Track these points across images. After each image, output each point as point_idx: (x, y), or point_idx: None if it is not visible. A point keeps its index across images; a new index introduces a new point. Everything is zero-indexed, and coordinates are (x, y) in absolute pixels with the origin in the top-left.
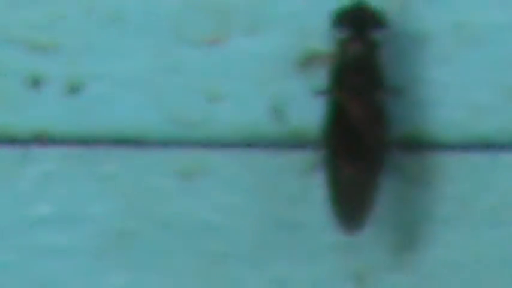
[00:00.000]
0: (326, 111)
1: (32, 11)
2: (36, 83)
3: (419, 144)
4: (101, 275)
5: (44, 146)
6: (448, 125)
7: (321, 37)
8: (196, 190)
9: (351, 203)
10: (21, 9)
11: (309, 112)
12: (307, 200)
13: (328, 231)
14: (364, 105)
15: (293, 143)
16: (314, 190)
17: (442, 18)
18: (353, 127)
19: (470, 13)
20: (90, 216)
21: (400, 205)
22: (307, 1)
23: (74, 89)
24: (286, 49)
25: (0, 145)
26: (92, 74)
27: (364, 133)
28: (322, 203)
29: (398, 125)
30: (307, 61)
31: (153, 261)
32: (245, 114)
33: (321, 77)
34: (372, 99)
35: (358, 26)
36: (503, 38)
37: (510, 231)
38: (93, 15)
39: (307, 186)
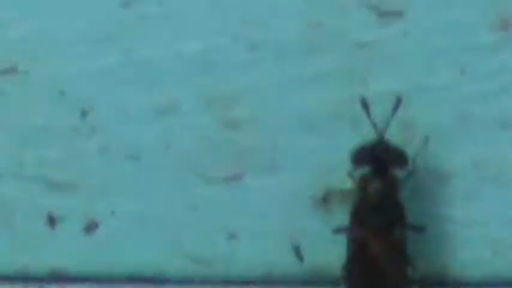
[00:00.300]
0: (346, 248)
1: (48, 149)
2: (52, 220)
3: (442, 282)
4: None
5: (60, 283)
6: (470, 262)
7: (340, 174)
8: None
9: None
10: (37, 147)
11: (329, 249)
12: None
13: None
14: (385, 242)
15: (312, 280)
16: None
17: (462, 155)
18: (374, 265)
19: (489, 151)
20: None
21: None
22: (326, 139)
23: (90, 226)
24: (305, 186)
25: (16, 282)
26: (109, 211)
27: (385, 271)
28: None
29: (420, 262)
30: (327, 198)
31: None
32: (264, 251)
33: (340, 214)
34: (393, 237)
35: (379, 163)
36: None
37: None
38: (110, 153)
39: None
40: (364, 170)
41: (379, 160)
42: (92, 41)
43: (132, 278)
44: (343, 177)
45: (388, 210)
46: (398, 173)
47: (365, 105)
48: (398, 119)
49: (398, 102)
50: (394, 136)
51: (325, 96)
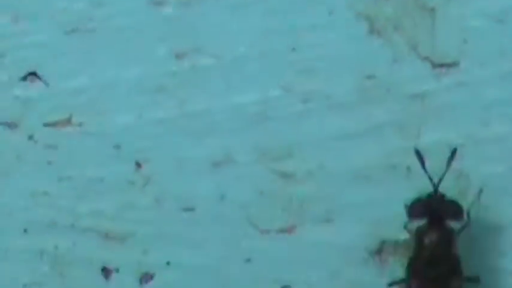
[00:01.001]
0: None
1: (103, 201)
2: (107, 272)
3: None
4: None
5: None
6: None
7: (394, 226)
8: None
9: None
10: (92, 199)
11: None
12: None
13: None
14: None
15: None
16: None
17: None
18: None
19: None
20: None
21: None
22: (380, 190)
23: (145, 278)
24: (359, 237)
25: None
26: (164, 262)
27: None
28: None
29: None
30: (381, 250)
31: None
32: None
33: (394, 265)
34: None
35: (435, 216)
36: None
37: None
38: (164, 205)
39: None
40: (420, 222)
41: (435, 213)
42: (147, 92)
43: None
44: (397, 228)
45: (444, 262)
46: (454, 225)
47: (419, 156)
48: (452, 171)
49: (453, 154)
50: (447, 187)
51: (379, 148)
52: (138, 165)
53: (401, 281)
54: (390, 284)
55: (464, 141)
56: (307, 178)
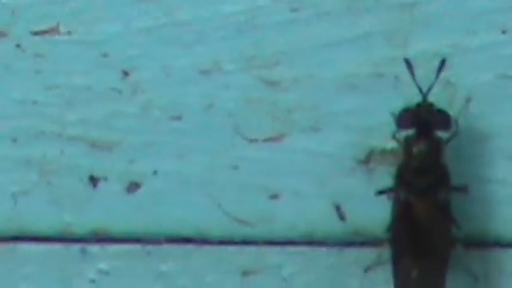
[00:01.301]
0: (391, 210)
1: (89, 109)
2: (94, 180)
3: (483, 242)
4: None
5: (101, 244)
6: None
7: (381, 134)
8: None
9: None
10: (79, 108)
11: (370, 210)
12: None
13: None
14: (429, 204)
15: (353, 240)
16: None
17: (505, 116)
18: (418, 226)
19: None
20: None
21: None
22: (367, 99)
23: (132, 186)
24: (346, 147)
25: (58, 243)
26: (150, 171)
27: (430, 232)
28: None
29: (464, 223)
30: (368, 158)
31: None
32: (305, 211)
33: (381, 174)
34: (437, 198)
35: (424, 125)
36: None
37: None
38: (151, 113)
39: (368, 285)
40: (409, 132)
41: (424, 122)
42: (135, 1)
43: (172, 238)
44: (384, 137)
45: (432, 171)
46: (442, 134)
47: (409, 66)
48: (439, 80)
49: (442, 64)
50: (435, 97)
51: (367, 57)
52: (126, 73)
53: (389, 190)
54: (378, 193)
55: (452, 51)
56: (294, 86)
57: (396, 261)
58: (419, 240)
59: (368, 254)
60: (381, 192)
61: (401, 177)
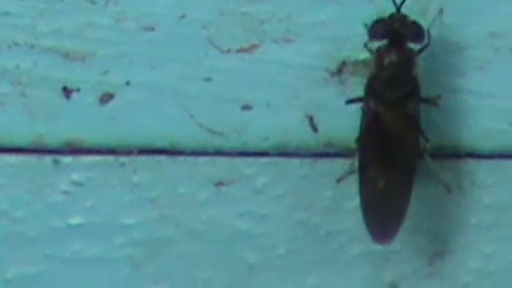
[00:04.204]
0: (361, 120)
1: (62, 20)
2: (67, 91)
3: (455, 153)
4: (134, 285)
5: (75, 155)
6: (484, 133)
7: (354, 45)
8: (229, 199)
9: (384, 212)
10: (51, 18)
11: (342, 121)
12: (340, 208)
13: (362, 240)
14: (399, 115)
15: (326, 151)
16: (347, 199)
17: (478, 27)
18: (387, 136)
19: (506, 22)
20: (122, 225)
21: (435, 214)
22: (340, 10)
23: (105, 97)
24: (319, 57)
25: (31, 154)
26: (124, 82)
27: (399, 142)
28: (355, 212)
29: (434, 134)
30: (341, 69)
31: (186, 271)
32: (278, 122)
33: (354, 85)
34: (407, 109)
35: (396, 36)
36: None
37: None
38: (125, 24)
39: (340, 195)
40: (381, 42)
41: (396, 34)
42: None
43: (146, 149)
44: (357, 48)
45: (402, 83)
46: (414, 45)
47: None
48: None
49: None
50: (408, 8)
51: None
52: None
53: (359, 99)
54: (348, 102)
55: None
56: None
57: (363, 171)
58: (387, 151)
59: (340, 164)
60: (350, 102)
61: (372, 87)
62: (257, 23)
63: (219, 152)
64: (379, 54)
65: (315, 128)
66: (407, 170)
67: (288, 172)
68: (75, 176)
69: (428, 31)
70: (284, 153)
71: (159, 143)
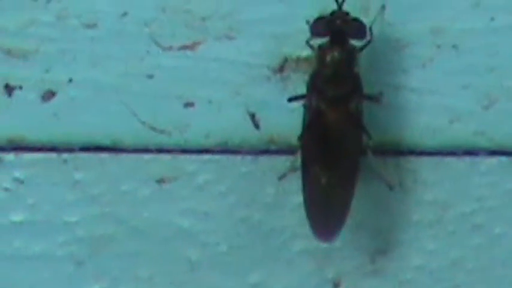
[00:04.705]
0: (303, 117)
1: (3, 18)
2: (9, 89)
3: (397, 150)
4: (77, 283)
5: (17, 152)
6: (426, 130)
7: (296, 42)
8: (171, 196)
9: (327, 209)
10: None
11: (285, 118)
12: (283, 206)
13: (305, 238)
14: (341, 112)
15: (268, 148)
16: (290, 196)
17: (420, 24)
18: (329, 134)
19: (448, 19)
20: (64, 223)
21: (377, 211)
22: (282, 7)
23: (47, 95)
24: (261, 54)
25: None
26: (65, 80)
27: (341, 140)
28: (298, 209)
29: (376, 131)
30: (283, 66)
31: (128, 268)
32: (220, 120)
33: (296, 82)
34: (349, 107)
35: (338, 34)
36: (481, 44)
37: (487, 237)
38: (66, 21)
39: (283, 192)
40: (323, 40)
41: (338, 31)
42: None
43: (88, 147)
44: (299, 45)
45: (344, 80)
46: (356, 42)
47: None
48: None
49: None
50: (350, 5)
51: None
52: None
53: (301, 97)
54: (289, 100)
55: None
56: None
57: (306, 168)
58: (329, 148)
59: (282, 161)
60: (292, 99)
61: (314, 84)
62: (199, 20)
63: (161, 149)
64: (321, 51)
65: (257, 125)
66: (349, 167)
67: (230, 169)
68: (17, 173)
69: (370, 28)
70: (226, 150)
71: (101, 140)
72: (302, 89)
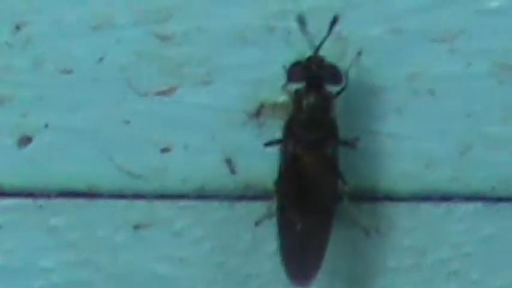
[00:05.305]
0: (279, 162)
1: None
2: None
3: (373, 196)
4: None
5: None
6: (402, 176)
7: (273, 88)
8: (148, 242)
9: (302, 255)
10: None
11: (262, 163)
12: (259, 251)
13: (281, 283)
14: (317, 157)
15: (245, 194)
16: (266, 242)
17: (396, 69)
18: (305, 179)
19: (424, 64)
20: (40, 269)
21: (353, 257)
22: (259, 52)
23: (23, 140)
24: (238, 99)
25: None
26: (42, 125)
27: (317, 185)
28: (274, 255)
29: (352, 176)
30: (259, 112)
31: None
32: (197, 165)
33: (273, 127)
34: (325, 152)
35: (314, 79)
36: (457, 89)
37: (464, 283)
38: (43, 67)
39: (259, 238)
40: (299, 85)
41: (314, 76)
42: None
43: (64, 192)
44: (276, 91)
45: (321, 126)
46: (332, 89)
47: (301, 22)
48: (332, 34)
49: (335, 21)
50: (326, 50)
51: (258, 10)
52: (17, 28)
53: (277, 142)
54: (266, 145)
55: (344, 4)
56: (185, 40)
57: (282, 213)
58: (305, 193)
59: (259, 207)
60: (269, 144)
61: (290, 129)
62: (175, 65)
63: (137, 195)
64: (297, 96)
65: (233, 171)
66: (325, 212)
67: (207, 215)
68: None
69: (346, 73)
70: (203, 196)
71: (78, 186)
72: (278, 134)
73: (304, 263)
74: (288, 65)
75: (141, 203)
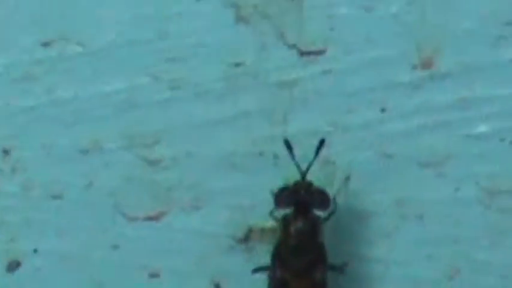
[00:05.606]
0: (268, 287)
1: None
2: None
3: None
4: None
5: None
6: None
7: (261, 213)
8: None
9: None
10: None
11: None
12: None
13: None
14: (306, 282)
15: None
16: None
17: (385, 194)
18: None
19: (412, 189)
20: None
21: None
22: (247, 177)
23: (12, 265)
24: (226, 225)
25: None
26: (31, 250)
27: None
28: None
29: None
30: (248, 237)
31: None
32: None
33: (261, 252)
34: (314, 278)
35: (301, 205)
36: (446, 215)
37: None
38: (32, 192)
39: None
40: (287, 210)
41: (301, 202)
42: (14, 81)
43: None
44: (264, 216)
45: (309, 251)
46: (320, 213)
47: (288, 146)
48: (319, 158)
49: (321, 144)
50: (314, 175)
51: (247, 135)
52: (6, 152)
53: (266, 268)
54: (254, 271)
55: (331, 129)
56: (174, 165)
57: None
58: None
59: None
60: (257, 270)
61: (278, 255)
62: (164, 190)
63: None
64: (285, 221)
65: None
66: None
67: None
68: None
69: (334, 199)
70: None
71: None
72: (267, 260)
73: None
74: (275, 190)
75: None
